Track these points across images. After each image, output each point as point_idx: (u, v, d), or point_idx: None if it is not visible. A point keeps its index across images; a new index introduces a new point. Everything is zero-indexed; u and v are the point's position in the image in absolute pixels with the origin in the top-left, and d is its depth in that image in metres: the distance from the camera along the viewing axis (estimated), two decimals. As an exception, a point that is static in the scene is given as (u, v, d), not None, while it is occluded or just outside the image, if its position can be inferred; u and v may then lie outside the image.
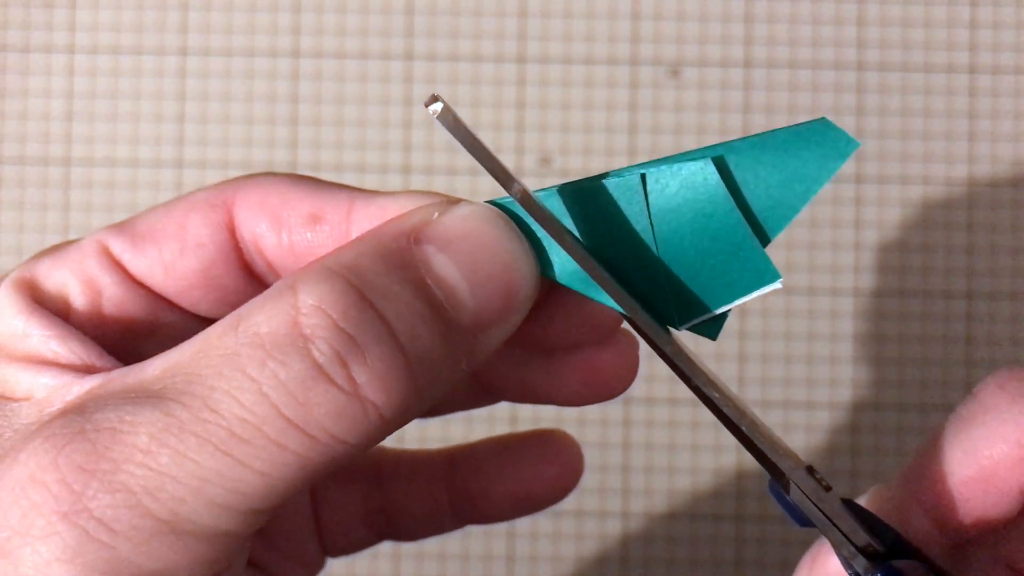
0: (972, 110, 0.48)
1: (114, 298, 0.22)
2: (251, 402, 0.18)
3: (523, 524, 0.47)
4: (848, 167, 0.47)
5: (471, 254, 0.19)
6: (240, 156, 0.48)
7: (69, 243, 0.23)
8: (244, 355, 0.18)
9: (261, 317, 0.19)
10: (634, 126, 0.48)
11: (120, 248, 0.22)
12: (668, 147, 0.47)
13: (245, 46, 0.48)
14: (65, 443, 0.18)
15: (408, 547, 0.47)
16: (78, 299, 0.22)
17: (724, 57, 0.48)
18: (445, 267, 0.19)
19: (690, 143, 0.47)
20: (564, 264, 0.21)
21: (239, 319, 0.19)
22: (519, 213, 0.21)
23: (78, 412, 0.19)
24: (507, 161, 0.49)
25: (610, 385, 0.24)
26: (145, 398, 0.19)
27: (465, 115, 0.48)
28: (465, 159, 0.48)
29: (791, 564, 0.47)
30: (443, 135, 0.48)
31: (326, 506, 0.28)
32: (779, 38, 0.48)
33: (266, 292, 0.19)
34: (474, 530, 0.46)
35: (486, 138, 0.48)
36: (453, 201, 0.21)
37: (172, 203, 0.22)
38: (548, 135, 0.48)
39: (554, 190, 0.21)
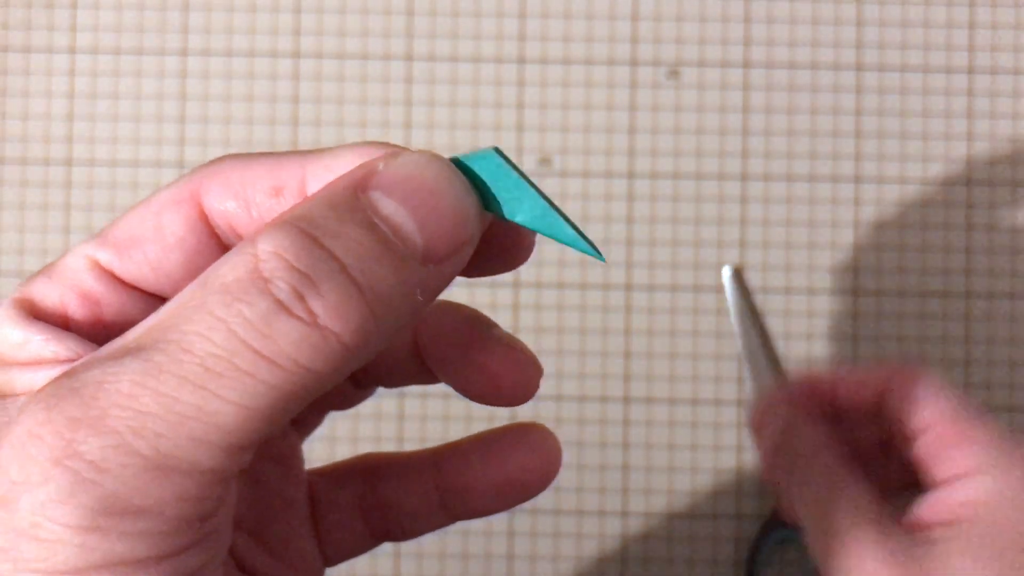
0: (970, 111, 0.48)
1: (113, 305, 0.23)
2: (221, 339, 0.20)
3: (523, 523, 0.47)
4: (847, 168, 0.48)
5: (415, 194, 0.21)
6: (241, 156, 0.48)
7: (56, 263, 0.24)
8: (212, 301, 0.20)
9: (225, 268, 0.20)
10: (633, 127, 0.48)
11: (107, 258, 0.23)
12: (667, 147, 0.48)
13: (246, 47, 0.48)
14: (57, 401, 0.20)
15: (408, 546, 0.47)
16: (77, 312, 0.23)
17: (723, 58, 0.48)
18: (390, 207, 0.21)
19: (689, 143, 0.48)
20: (534, 211, 0.23)
21: (207, 275, 0.21)
22: (475, 167, 0.23)
23: (67, 376, 0.20)
24: (507, 161, 0.49)
25: (511, 391, 0.26)
26: (126, 352, 0.20)
27: (465, 116, 0.48)
28: (465, 159, 0.48)
29: (789, 563, 0.47)
30: (443, 136, 0.48)
31: (323, 508, 0.28)
32: (778, 39, 0.48)
33: (230, 251, 0.21)
34: (474, 529, 0.47)
35: (487, 138, 0.48)
36: (398, 152, 0.22)
37: (141, 206, 0.24)
38: (548, 136, 0.48)
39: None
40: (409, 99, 0.48)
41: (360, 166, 0.22)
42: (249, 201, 0.23)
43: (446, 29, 0.48)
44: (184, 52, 0.48)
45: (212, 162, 0.24)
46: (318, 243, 0.20)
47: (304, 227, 0.20)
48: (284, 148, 0.48)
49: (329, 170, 0.22)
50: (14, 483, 0.19)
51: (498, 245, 0.24)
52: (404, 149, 0.22)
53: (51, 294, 0.23)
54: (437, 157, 0.22)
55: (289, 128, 0.48)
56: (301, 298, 0.20)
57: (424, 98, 0.48)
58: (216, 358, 0.19)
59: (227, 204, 0.23)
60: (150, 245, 0.23)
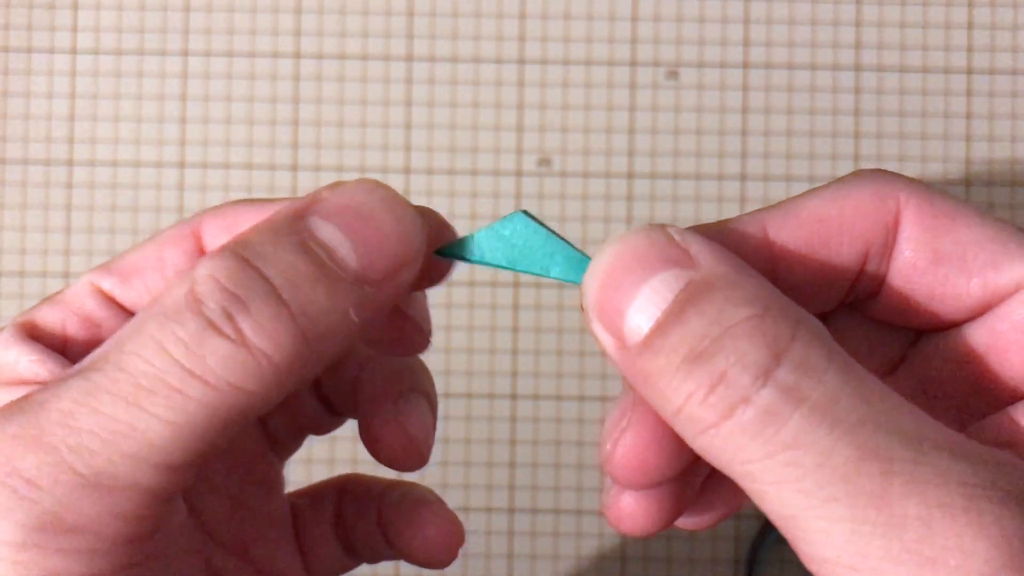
0: (969, 111, 0.48)
1: (113, 328, 0.24)
2: (153, 357, 0.20)
3: (523, 522, 0.47)
4: (846, 168, 0.48)
5: (353, 218, 0.22)
6: (242, 157, 0.48)
7: (62, 290, 0.25)
8: (149, 322, 0.21)
9: (166, 293, 0.21)
10: (633, 127, 0.48)
11: (110, 285, 0.25)
12: (667, 148, 0.48)
13: (247, 48, 0.48)
14: (3, 420, 0.21)
15: (408, 545, 0.47)
16: (78, 333, 0.24)
17: (722, 59, 0.48)
18: (327, 231, 0.22)
19: (688, 144, 0.48)
20: (569, 262, 0.24)
21: (153, 300, 0.21)
22: (506, 231, 0.24)
23: (24, 397, 0.21)
24: (507, 162, 0.49)
25: (398, 463, 0.27)
26: (73, 374, 0.21)
27: (465, 116, 0.48)
28: (466, 161, 0.48)
29: (789, 562, 0.47)
30: (443, 137, 0.48)
31: (305, 525, 0.29)
32: (777, 40, 0.48)
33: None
34: (474, 528, 0.47)
35: (487, 139, 0.48)
36: (347, 181, 0.23)
37: (146, 243, 0.25)
38: (548, 136, 0.48)
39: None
40: (409, 100, 0.48)
41: (308, 194, 0.22)
42: None
43: (446, 30, 0.48)
44: (185, 53, 0.48)
45: (217, 206, 0.25)
46: (250, 265, 0.21)
47: (239, 251, 0.21)
48: (285, 149, 0.48)
49: None
50: None
51: (398, 333, 0.25)
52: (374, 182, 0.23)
53: (52, 317, 0.24)
54: (381, 184, 0.22)
55: (290, 128, 0.48)
56: (230, 318, 0.20)
57: (424, 99, 0.48)
58: (148, 376, 0.20)
59: (222, 240, 0.24)
60: (151, 274, 0.24)
